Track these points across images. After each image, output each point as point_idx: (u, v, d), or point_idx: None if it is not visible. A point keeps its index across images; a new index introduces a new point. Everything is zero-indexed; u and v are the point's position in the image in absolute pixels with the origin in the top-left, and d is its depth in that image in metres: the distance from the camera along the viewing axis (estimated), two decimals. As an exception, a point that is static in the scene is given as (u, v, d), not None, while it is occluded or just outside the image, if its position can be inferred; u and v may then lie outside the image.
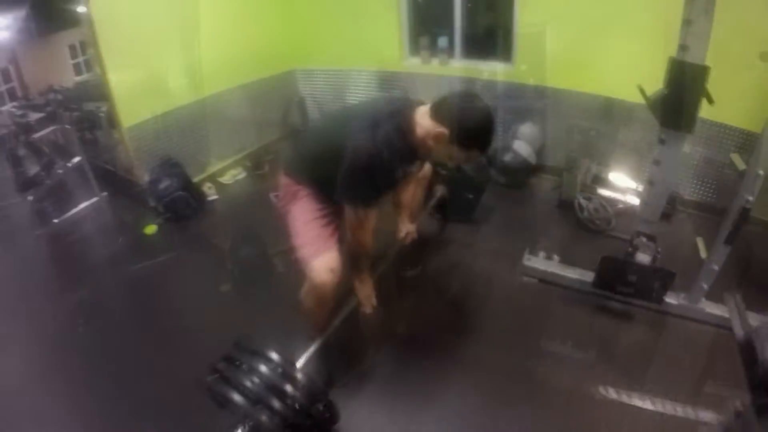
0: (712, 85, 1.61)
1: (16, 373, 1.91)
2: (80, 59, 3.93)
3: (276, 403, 1.31)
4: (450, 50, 3.42)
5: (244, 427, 1.39)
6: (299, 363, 1.51)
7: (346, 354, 1.83)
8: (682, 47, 1.63)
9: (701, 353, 1.87)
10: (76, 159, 3.22)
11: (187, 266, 2.61)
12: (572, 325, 2.04)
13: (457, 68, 3.41)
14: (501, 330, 2.02)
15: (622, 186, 2.88)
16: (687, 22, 1.59)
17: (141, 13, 2.75)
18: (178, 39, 3.02)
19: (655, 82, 1.71)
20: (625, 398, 1.66)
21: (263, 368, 1.37)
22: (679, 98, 1.67)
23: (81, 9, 3.07)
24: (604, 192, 2.84)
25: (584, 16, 2.77)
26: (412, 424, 1.62)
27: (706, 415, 1.56)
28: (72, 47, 3.94)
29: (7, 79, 3.88)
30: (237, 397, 1.31)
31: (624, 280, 1.95)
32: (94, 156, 3.46)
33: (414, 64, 3.61)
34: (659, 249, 1.91)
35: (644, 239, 1.92)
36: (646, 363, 1.83)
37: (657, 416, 1.60)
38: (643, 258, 1.89)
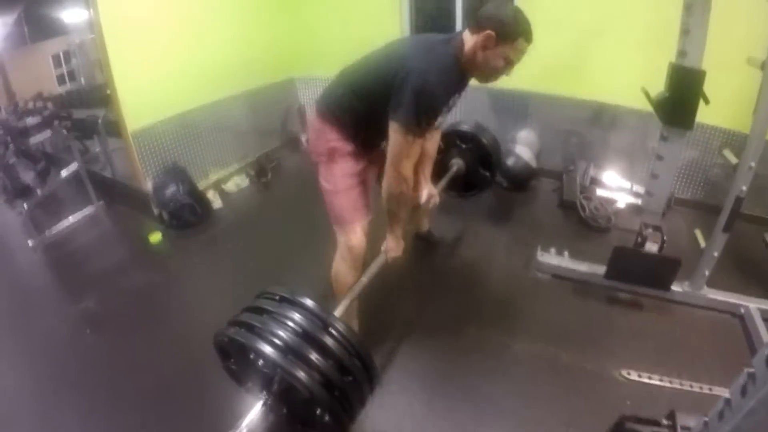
0: (705, 88, 1.76)
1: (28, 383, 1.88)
2: (64, 69, 3.85)
3: (313, 355, 1.10)
4: (450, 59, 3.53)
5: (271, 390, 1.18)
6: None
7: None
8: (681, 53, 1.80)
9: (705, 336, 1.98)
10: (73, 166, 3.14)
11: (199, 273, 2.59)
12: (587, 314, 2.13)
13: (456, 76, 3.51)
14: (522, 321, 2.08)
15: (617, 186, 3.05)
16: (685, 32, 1.76)
17: (147, 18, 2.75)
18: (182, 45, 3.02)
19: (648, 86, 1.87)
20: (644, 378, 1.75)
21: (295, 316, 1.15)
22: (679, 99, 1.83)
23: (83, 15, 3.05)
24: (601, 192, 3.00)
25: (578, 23, 2.93)
26: (450, 411, 1.65)
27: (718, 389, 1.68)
28: (56, 57, 3.86)
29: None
30: (266, 348, 1.08)
31: (634, 269, 2.06)
32: (88, 163, 3.39)
33: (414, 72, 3.69)
34: (665, 238, 2.04)
35: (651, 230, 2.04)
36: (656, 345, 1.92)
37: (669, 391, 1.71)
38: (651, 247, 2.01)
